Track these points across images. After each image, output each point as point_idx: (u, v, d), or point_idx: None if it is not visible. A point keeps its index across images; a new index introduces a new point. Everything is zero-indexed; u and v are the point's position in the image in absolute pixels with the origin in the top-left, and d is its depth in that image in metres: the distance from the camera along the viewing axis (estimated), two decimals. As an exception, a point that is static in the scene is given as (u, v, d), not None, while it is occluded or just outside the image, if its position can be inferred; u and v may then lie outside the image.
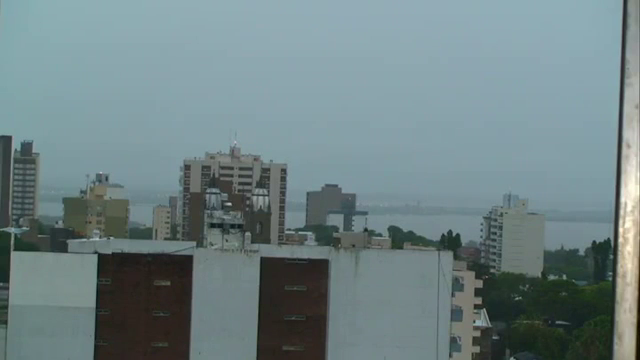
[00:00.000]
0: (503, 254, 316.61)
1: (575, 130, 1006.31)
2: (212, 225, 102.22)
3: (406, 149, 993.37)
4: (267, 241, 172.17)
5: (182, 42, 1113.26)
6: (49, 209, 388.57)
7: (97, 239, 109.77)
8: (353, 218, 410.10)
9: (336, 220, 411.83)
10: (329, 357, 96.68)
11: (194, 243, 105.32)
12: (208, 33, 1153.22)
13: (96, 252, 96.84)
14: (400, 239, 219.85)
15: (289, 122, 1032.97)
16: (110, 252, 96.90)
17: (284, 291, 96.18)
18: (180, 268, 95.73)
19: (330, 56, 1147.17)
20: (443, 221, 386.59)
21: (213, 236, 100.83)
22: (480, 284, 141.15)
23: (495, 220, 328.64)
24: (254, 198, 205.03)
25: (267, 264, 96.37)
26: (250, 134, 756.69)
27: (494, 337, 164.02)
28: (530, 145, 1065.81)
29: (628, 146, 6.17)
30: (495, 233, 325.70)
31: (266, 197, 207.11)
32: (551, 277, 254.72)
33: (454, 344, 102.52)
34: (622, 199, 6.17)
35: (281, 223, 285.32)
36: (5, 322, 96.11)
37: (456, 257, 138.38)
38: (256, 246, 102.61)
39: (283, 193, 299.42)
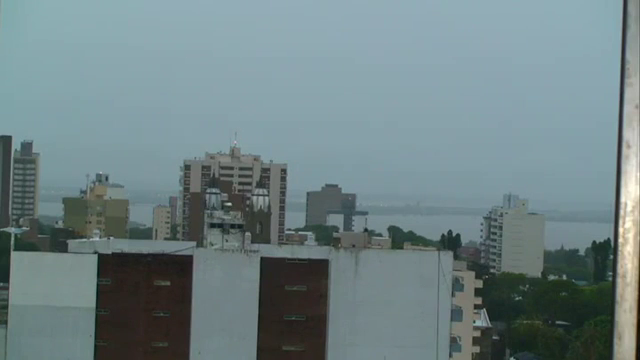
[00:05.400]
0: (503, 254, 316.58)
1: (575, 130, 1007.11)
2: (212, 225, 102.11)
3: (406, 149, 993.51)
4: (267, 241, 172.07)
5: (182, 42, 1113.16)
6: (49, 209, 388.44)
7: (97, 239, 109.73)
8: (353, 218, 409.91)
9: (336, 220, 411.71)
10: (329, 357, 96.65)
11: (194, 243, 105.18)
12: (208, 33, 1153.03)
13: (96, 252, 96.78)
14: (400, 239, 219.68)
15: (289, 122, 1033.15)
16: (110, 252, 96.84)
17: (284, 291, 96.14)
18: (180, 268, 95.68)
19: (330, 56, 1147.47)
20: (443, 221, 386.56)
21: (213, 236, 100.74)
22: (480, 284, 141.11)
23: (495, 220, 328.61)
24: (254, 198, 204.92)
25: (267, 264, 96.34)
26: (250, 134, 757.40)
27: (494, 337, 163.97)
28: (530, 145, 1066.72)
29: (628, 146, 6.18)
30: (495, 233, 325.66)
31: (266, 197, 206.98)
32: (551, 277, 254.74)
33: (454, 344, 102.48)
34: (622, 199, 6.18)
35: (281, 223, 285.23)
36: (5, 322, 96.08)
37: (456, 257, 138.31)
38: (256, 246, 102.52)
39: (283, 193, 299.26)
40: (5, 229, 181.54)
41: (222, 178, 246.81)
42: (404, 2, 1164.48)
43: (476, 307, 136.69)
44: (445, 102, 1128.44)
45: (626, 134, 6.18)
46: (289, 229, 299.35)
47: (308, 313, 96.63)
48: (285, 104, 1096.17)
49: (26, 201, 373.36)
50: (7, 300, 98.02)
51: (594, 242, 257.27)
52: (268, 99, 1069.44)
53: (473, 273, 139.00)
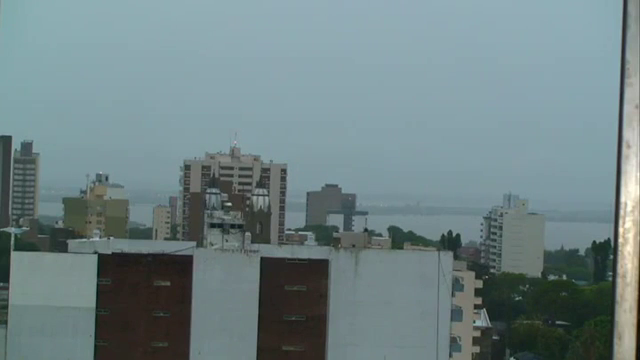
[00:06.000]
0: (503, 254, 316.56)
1: (575, 130, 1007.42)
2: (212, 225, 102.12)
3: (406, 149, 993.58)
4: (267, 241, 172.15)
5: (182, 42, 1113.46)
6: (49, 209, 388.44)
7: (97, 239, 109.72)
8: (353, 218, 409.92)
9: (336, 220, 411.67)
10: (329, 357, 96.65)
11: (194, 243, 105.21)
12: (208, 33, 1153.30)
13: (96, 252, 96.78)
14: (400, 239, 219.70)
15: (289, 122, 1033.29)
16: (110, 252, 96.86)
17: (284, 291, 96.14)
18: (180, 268, 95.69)
19: (330, 56, 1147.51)
20: (443, 221, 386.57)
21: (213, 236, 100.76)
22: (480, 284, 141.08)
23: (495, 220, 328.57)
24: (254, 198, 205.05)
25: (267, 264, 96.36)
26: (250, 134, 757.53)
27: (494, 337, 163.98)
28: (530, 145, 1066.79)
29: (628, 146, 6.18)
30: (495, 233, 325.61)
31: (266, 197, 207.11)
32: (551, 277, 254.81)
33: (454, 344, 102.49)
34: (622, 199, 6.18)
35: (281, 223, 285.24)
36: (5, 322, 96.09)
37: (456, 257, 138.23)
38: (256, 246, 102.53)
39: (283, 193, 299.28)
40: (5, 229, 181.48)
41: (222, 178, 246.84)
42: (404, 2, 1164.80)
43: (476, 307, 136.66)
44: (445, 102, 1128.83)
45: (626, 134, 6.18)
46: (289, 229, 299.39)
47: (308, 313, 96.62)
48: (285, 104, 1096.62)
49: (26, 201, 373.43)
50: (7, 300, 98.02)
51: (594, 242, 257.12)
52: (268, 99, 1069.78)
53: (473, 273, 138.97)
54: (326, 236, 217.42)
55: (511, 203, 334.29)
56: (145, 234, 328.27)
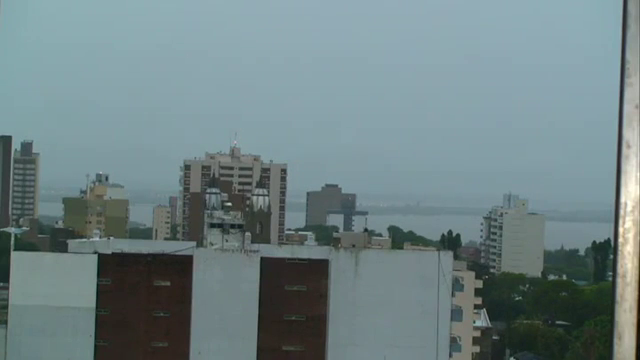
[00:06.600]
0: (503, 254, 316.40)
1: (575, 130, 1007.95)
2: (212, 225, 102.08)
3: (406, 149, 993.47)
4: (267, 241, 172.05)
5: (182, 42, 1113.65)
6: (49, 209, 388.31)
7: (97, 239, 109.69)
8: (353, 218, 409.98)
9: (336, 220, 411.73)
10: (329, 357, 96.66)
11: (194, 243, 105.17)
12: (208, 33, 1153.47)
13: (96, 252, 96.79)
14: (400, 239, 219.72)
15: (289, 122, 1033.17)
16: (110, 252, 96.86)
17: (284, 291, 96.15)
18: (180, 268, 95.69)
19: (330, 56, 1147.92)
20: (443, 221, 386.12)
21: (213, 236, 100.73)
22: (480, 284, 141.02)
23: (495, 220, 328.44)
24: (254, 198, 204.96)
25: (267, 264, 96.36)
26: (250, 134, 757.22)
27: (494, 337, 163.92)
28: (530, 145, 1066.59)
29: (628, 146, 6.17)
30: (495, 233, 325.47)
31: (266, 197, 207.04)
32: (551, 277, 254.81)
33: (454, 344, 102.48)
34: (622, 199, 6.18)
35: (281, 223, 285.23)
36: (5, 322, 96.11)
37: (456, 257, 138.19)
38: (256, 246, 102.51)
39: (283, 193, 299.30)
40: (5, 229, 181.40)
41: (222, 178, 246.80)
42: (405, 2, 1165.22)
43: (476, 307, 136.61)
44: (445, 102, 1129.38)
45: (626, 134, 6.18)
46: (289, 229, 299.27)
47: (308, 313, 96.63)
48: (285, 104, 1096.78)
49: (26, 201, 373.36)
50: (7, 300, 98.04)
51: (594, 242, 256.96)
52: (268, 99, 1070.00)
53: (473, 273, 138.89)
54: (326, 236, 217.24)
55: (511, 203, 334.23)
56: (145, 234, 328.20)
